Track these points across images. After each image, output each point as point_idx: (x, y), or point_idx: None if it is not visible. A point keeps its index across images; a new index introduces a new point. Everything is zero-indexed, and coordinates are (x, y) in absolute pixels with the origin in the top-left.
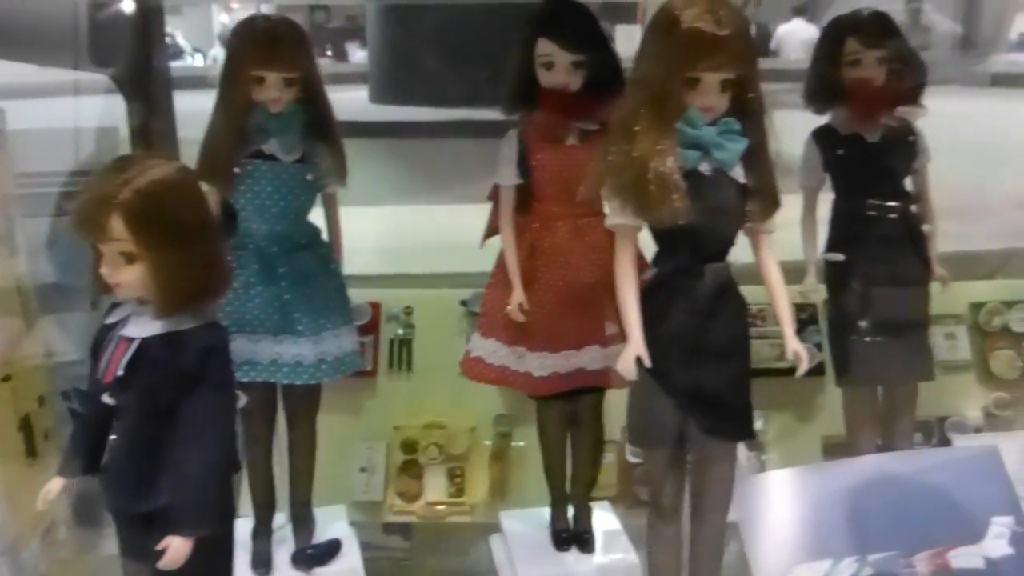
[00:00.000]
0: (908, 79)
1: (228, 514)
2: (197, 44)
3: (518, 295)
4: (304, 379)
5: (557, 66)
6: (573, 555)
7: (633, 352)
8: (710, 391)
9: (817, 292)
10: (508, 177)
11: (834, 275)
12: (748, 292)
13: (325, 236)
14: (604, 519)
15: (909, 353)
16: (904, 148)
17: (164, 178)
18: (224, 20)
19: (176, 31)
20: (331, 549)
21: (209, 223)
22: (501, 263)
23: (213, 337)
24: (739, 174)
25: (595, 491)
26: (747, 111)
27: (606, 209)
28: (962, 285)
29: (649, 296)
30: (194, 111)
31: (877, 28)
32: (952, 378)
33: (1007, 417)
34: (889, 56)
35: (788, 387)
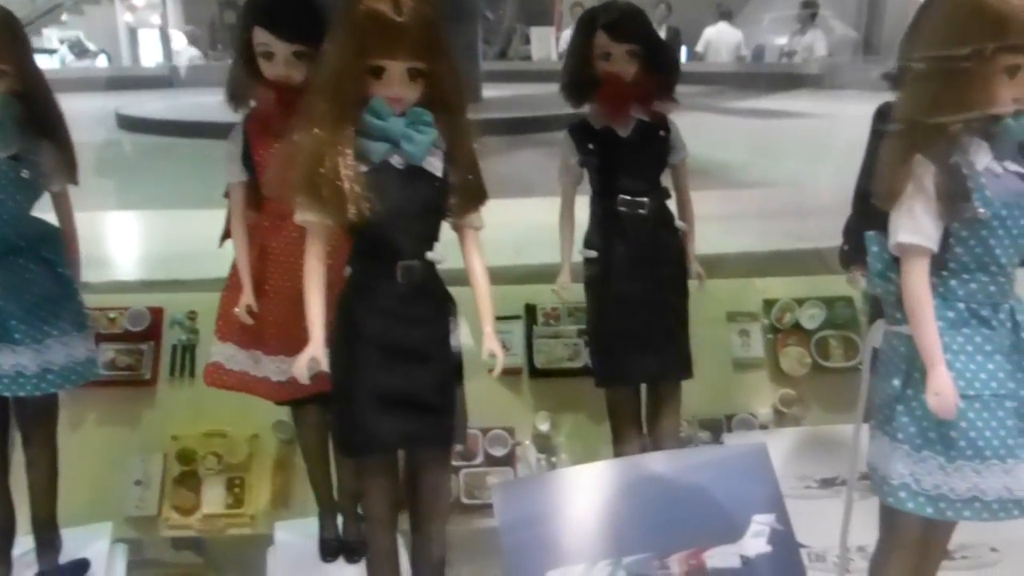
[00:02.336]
0: (660, 74)
1: None
2: (101, 44)
3: (247, 297)
4: (27, 391)
5: (277, 56)
6: (338, 566)
7: (308, 354)
8: (413, 395)
9: (570, 290)
10: (234, 174)
11: (590, 272)
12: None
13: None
14: None
15: (666, 351)
16: (656, 143)
17: None
18: (128, 19)
19: (79, 31)
20: (75, 571)
21: None
22: (236, 264)
23: None
24: (436, 168)
25: None
26: (444, 103)
27: None
28: (756, 282)
29: (344, 296)
30: None
31: (627, 23)
32: (745, 376)
33: (794, 414)
34: (640, 51)
35: (580, 387)
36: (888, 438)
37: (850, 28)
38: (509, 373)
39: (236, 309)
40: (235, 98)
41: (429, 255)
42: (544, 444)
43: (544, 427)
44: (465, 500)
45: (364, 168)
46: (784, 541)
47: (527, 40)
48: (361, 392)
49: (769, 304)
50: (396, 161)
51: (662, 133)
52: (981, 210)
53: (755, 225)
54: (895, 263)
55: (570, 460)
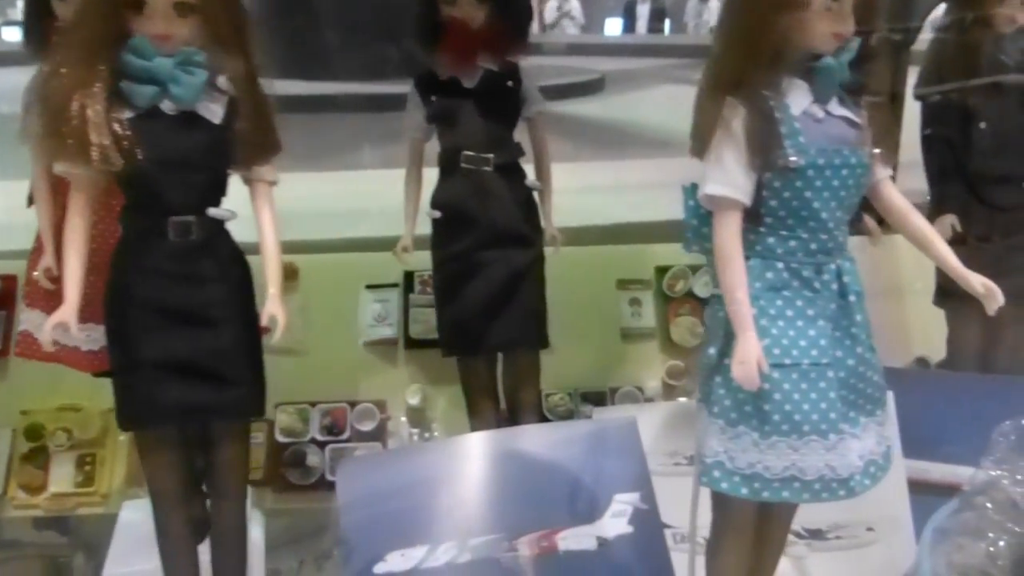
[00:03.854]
0: (511, 21)
1: None
2: None
3: (47, 259)
4: None
5: None
6: None
7: (56, 319)
8: (198, 363)
9: (411, 254)
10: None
11: (435, 234)
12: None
13: None
14: None
15: (516, 319)
16: (505, 95)
17: None
18: None
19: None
20: None
21: None
22: None
23: None
24: (215, 114)
25: None
26: (220, 43)
27: None
28: (652, 249)
29: (116, 255)
30: None
31: None
32: (634, 346)
33: (684, 387)
34: None
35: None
36: (706, 412)
37: None
38: (383, 344)
39: (35, 273)
40: (31, 43)
41: (212, 211)
42: (418, 418)
43: (414, 401)
44: (330, 477)
45: (129, 114)
46: (647, 521)
47: None
48: (136, 359)
49: (661, 271)
50: (167, 106)
51: (510, 84)
52: (793, 158)
53: None
54: (711, 217)
55: (445, 435)
